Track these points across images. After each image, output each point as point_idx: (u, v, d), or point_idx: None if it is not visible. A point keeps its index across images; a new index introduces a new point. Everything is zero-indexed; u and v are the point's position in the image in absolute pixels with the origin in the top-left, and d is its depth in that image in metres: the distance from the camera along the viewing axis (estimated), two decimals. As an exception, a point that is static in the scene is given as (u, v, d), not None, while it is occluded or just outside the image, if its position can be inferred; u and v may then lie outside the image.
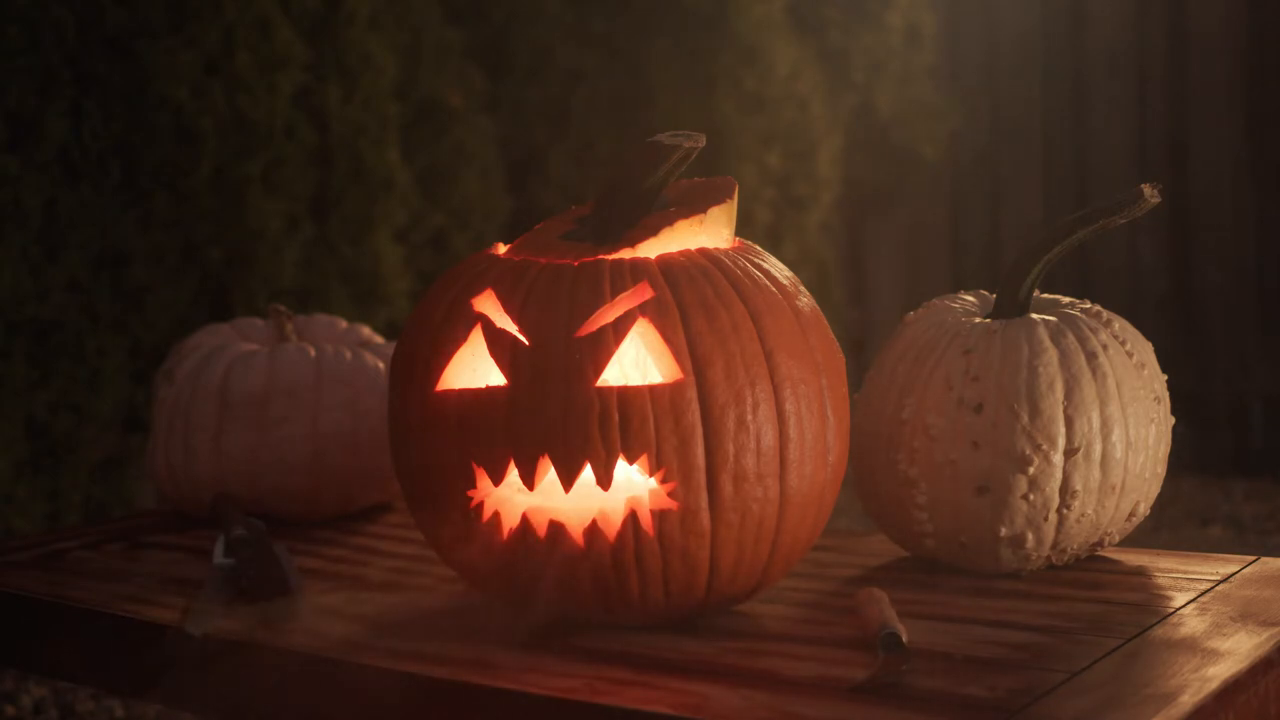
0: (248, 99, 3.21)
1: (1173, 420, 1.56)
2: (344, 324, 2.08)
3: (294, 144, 3.33)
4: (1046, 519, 1.48)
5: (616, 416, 1.27)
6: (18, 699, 2.86)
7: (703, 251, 1.37)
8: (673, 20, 4.37)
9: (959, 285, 4.30)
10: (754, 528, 1.30)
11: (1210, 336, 5.04)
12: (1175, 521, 4.33)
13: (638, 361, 1.31)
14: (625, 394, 1.27)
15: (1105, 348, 1.50)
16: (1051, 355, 1.49)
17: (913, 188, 5.48)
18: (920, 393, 1.52)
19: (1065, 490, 1.47)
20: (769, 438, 1.30)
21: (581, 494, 1.29)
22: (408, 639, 1.35)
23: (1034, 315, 1.54)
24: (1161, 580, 1.49)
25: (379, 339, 2.05)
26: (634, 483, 1.29)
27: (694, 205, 1.41)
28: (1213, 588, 1.44)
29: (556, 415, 1.28)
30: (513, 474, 1.30)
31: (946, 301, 1.63)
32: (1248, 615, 1.33)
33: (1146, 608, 1.38)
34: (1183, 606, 1.38)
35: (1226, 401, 5.02)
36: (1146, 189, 1.48)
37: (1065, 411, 1.46)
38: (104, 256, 3.05)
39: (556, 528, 1.30)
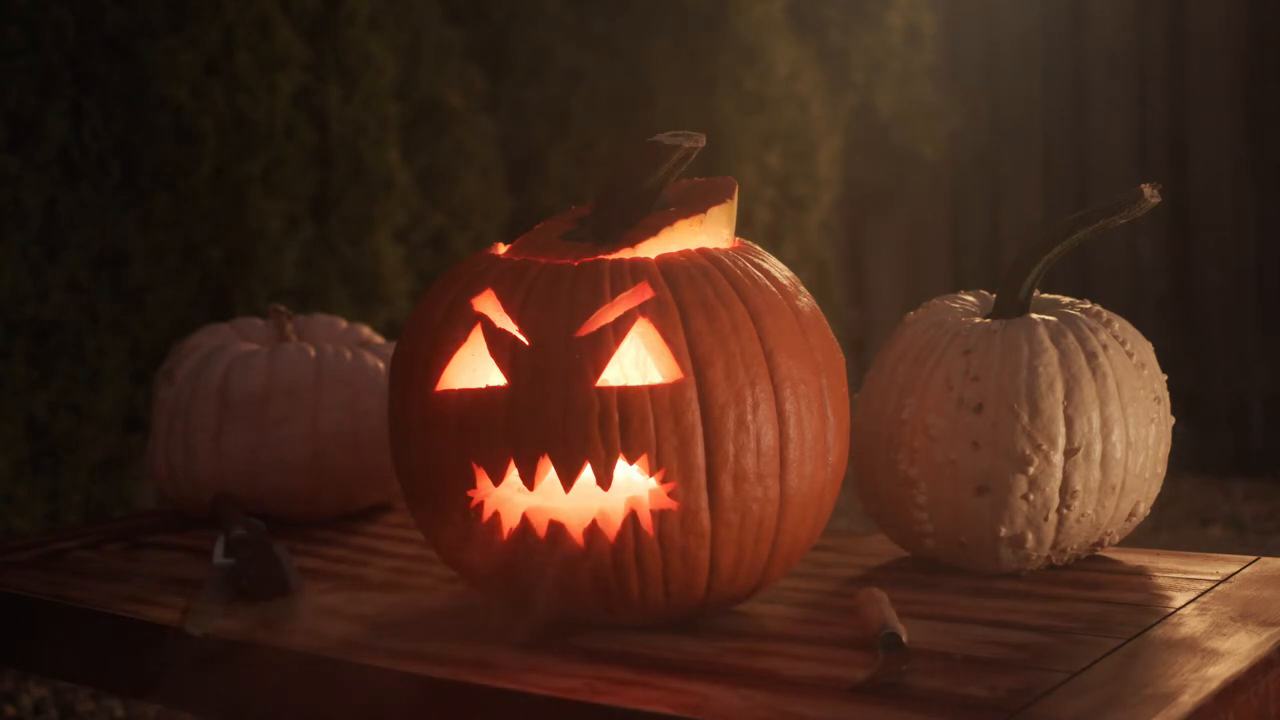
0: (248, 99, 3.21)
1: (1173, 420, 1.56)
2: (344, 324, 2.08)
3: (294, 144, 3.33)
4: (1046, 519, 1.48)
5: (616, 416, 1.27)
6: (18, 699, 2.86)
7: (703, 251, 1.37)
8: (673, 20, 4.37)
9: (959, 285, 4.30)
10: (754, 528, 1.30)
11: (1210, 336, 5.04)
12: (1175, 521, 4.33)
13: (638, 361, 1.31)
14: (625, 394, 1.27)
15: (1105, 348, 1.50)
16: (1051, 355, 1.49)
17: (913, 188, 5.48)
18: (920, 393, 1.52)
19: (1065, 490, 1.47)
20: (769, 438, 1.30)
21: (581, 494, 1.29)
22: (408, 639, 1.35)
23: (1034, 315, 1.54)
24: (1161, 580, 1.49)
25: (379, 339, 2.05)
26: (634, 483, 1.29)
27: (694, 205, 1.41)
28: (1213, 588, 1.44)
29: (556, 415, 1.28)
30: (513, 474, 1.30)
31: (946, 301, 1.63)
32: (1248, 615, 1.33)
33: (1146, 608, 1.38)
34: (1183, 606, 1.38)
35: (1226, 401, 5.02)
36: (1146, 189, 1.48)
37: (1065, 411, 1.46)
38: (104, 256, 3.05)
39: (556, 528, 1.30)
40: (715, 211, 1.40)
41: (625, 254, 1.35)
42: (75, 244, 2.97)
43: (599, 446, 1.27)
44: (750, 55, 4.50)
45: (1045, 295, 1.62)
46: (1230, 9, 4.96)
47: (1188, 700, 1.10)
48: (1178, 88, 5.08)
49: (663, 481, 1.28)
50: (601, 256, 1.35)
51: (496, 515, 1.32)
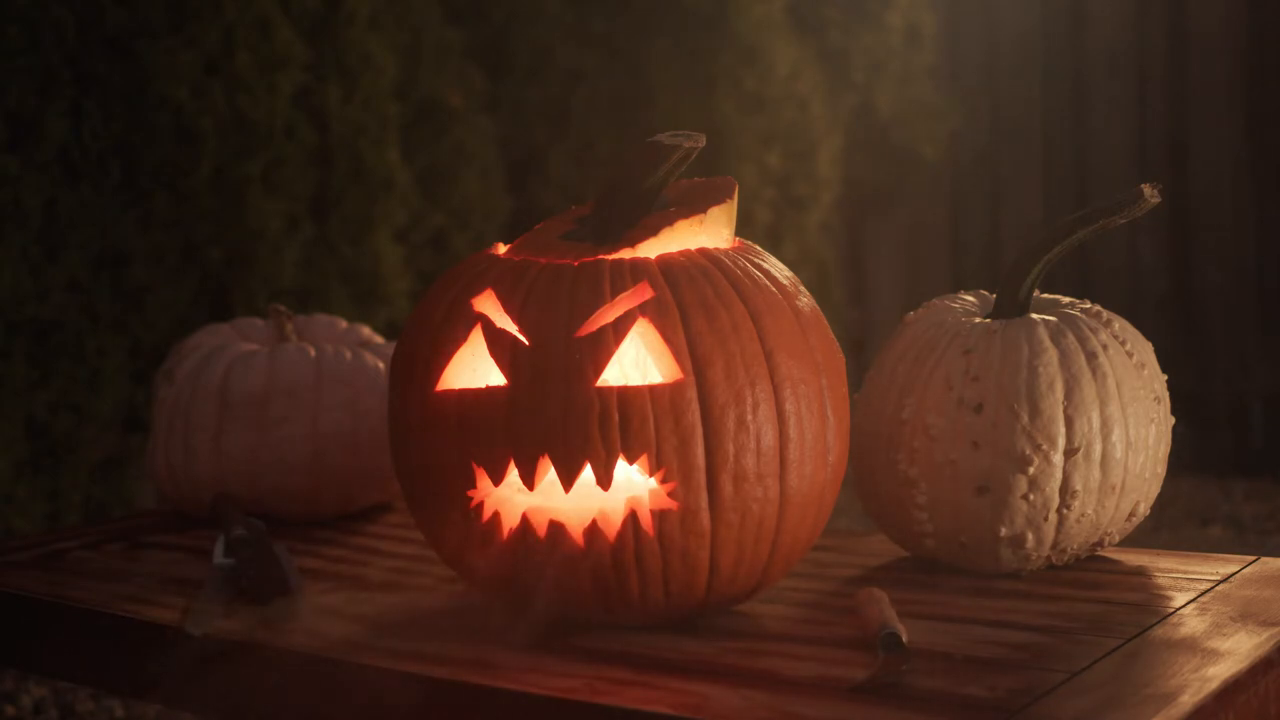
0: (248, 99, 3.21)
1: (1173, 420, 1.56)
2: (344, 324, 2.08)
3: (294, 144, 3.33)
4: (1046, 519, 1.48)
5: (616, 416, 1.27)
6: (18, 699, 2.86)
7: (703, 251, 1.37)
8: (673, 20, 4.37)
9: (959, 285, 4.30)
10: (754, 528, 1.30)
11: (1210, 336, 5.04)
12: (1175, 521, 4.33)
13: (638, 361, 1.31)
14: (625, 394, 1.27)
15: (1105, 348, 1.50)
16: (1051, 355, 1.49)
17: (913, 188, 5.48)
18: (920, 393, 1.52)
19: (1065, 490, 1.47)
20: (769, 438, 1.30)
21: (581, 494, 1.29)
22: (408, 639, 1.35)
23: (1034, 315, 1.54)
24: (1161, 580, 1.49)
25: (379, 339, 2.05)
26: (634, 483, 1.29)
27: (694, 205, 1.41)
28: (1213, 588, 1.44)
29: (556, 415, 1.28)
30: (513, 474, 1.30)
31: (946, 301, 1.63)
32: (1248, 615, 1.33)
33: (1146, 608, 1.38)
34: (1183, 606, 1.38)
35: (1226, 401, 5.02)
36: (1146, 189, 1.48)
37: (1065, 411, 1.46)
38: (104, 256, 3.05)
39: (556, 528, 1.30)
40: (715, 211, 1.40)
41: (625, 254, 1.35)
42: (75, 244, 2.97)
43: (599, 446, 1.27)
44: (750, 55, 4.50)
45: (1045, 295, 1.62)
46: (1230, 9, 4.96)
47: (1188, 700, 1.10)
48: (1178, 88, 5.08)
49: (663, 481, 1.28)
50: (601, 256, 1.35)
51: (496, 515, 1.32)
